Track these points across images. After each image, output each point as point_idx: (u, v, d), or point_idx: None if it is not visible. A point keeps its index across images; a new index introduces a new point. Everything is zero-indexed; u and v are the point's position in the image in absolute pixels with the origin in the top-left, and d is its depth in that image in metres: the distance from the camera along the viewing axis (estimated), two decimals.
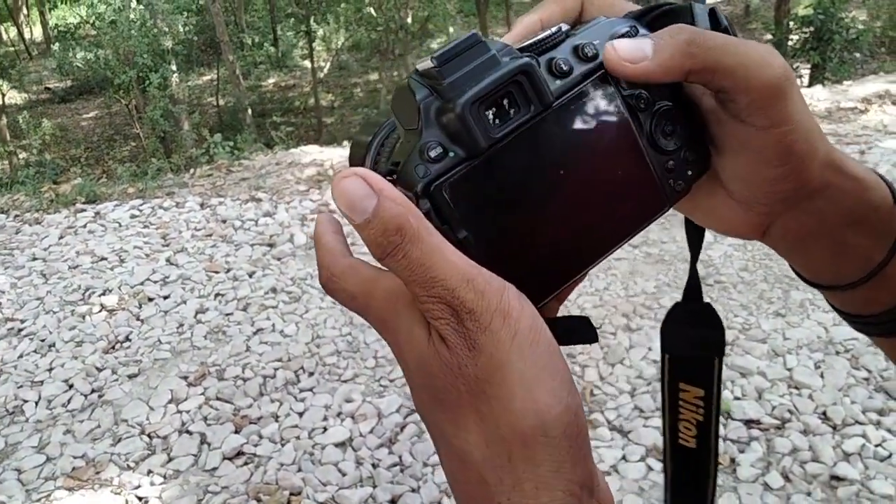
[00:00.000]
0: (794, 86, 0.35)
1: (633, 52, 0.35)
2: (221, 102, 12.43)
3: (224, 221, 4.05)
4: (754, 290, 3.00)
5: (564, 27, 0.37)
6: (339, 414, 2.47)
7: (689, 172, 0.39)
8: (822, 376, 2.45)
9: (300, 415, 2.49)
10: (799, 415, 2.30)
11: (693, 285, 0.53)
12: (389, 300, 0.32)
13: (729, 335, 2.73)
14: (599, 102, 0.36)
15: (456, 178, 0.33)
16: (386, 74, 11.75)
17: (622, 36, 0.37)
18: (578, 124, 0.35)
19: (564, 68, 0.35)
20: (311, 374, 2.70)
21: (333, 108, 12.74)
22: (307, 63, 13.06)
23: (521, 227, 0.35)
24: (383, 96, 11.11)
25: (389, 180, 0.33)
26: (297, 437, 2.39)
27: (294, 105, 12.97)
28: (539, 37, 0.37)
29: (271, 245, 3.74)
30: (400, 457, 2.26)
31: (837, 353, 2.57)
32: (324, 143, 6.40)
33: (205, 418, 2.50)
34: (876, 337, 0.44)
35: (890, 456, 2.10)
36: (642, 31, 0.38)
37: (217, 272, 3.49)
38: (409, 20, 11.36)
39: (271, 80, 14.01)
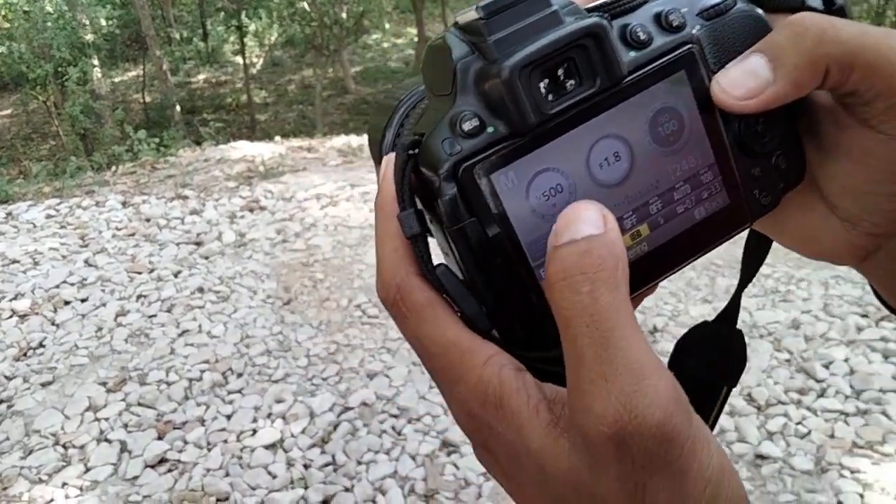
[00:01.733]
0: None
1: (749, 83, 0.29)
2: (148, 99, 11.98)
3: (148, 220, 3.88)
4: (683, 277, 3.07)
5: None
6: (269, 415, 2.39)
7: (781, 185, 0.32)
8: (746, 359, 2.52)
9: (228, 417, 2.40)
10: None
11: (731, 309, 0.46)
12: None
13: (659, 322, 2.77)
14: (682, 85, 0.29)
15: (494, 160, 0.26)
16: (320, 71, 11.56)
17: (715, 7, 0.30)
18: (652, 109, 0.29)
19: (642, 37, 0.28)
20: (240, 375, 2.61)
21: (267, 105, 12.46)
22: (239, 59, 12.74)
23: None
24: (318, 93, 10.94)
25: (408, 156, 0.27)
26: (225, 441, 2.30)
27: (226, 102, 12.63)
28: None
29: (198, 244, 3.60)
30: (333, 456, 2.20)
31: (761, 336, 2.65)
32: (256, 140, 6.24)
33: (125, 425, 2.38)
34: None
35: (809, 433, 2.18)
36: (740, 2, 0.31)
37: (140, 273, 3.34)
38: (344, 15, 11.22)
39: (201, 77, 13.60)
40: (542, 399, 0.26)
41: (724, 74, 0.29)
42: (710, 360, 0.46)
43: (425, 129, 0.28)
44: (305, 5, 11.21)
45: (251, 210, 3.92)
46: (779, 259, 3.05)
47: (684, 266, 0.31)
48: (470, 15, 0.27)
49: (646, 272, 0.30)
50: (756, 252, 0.41)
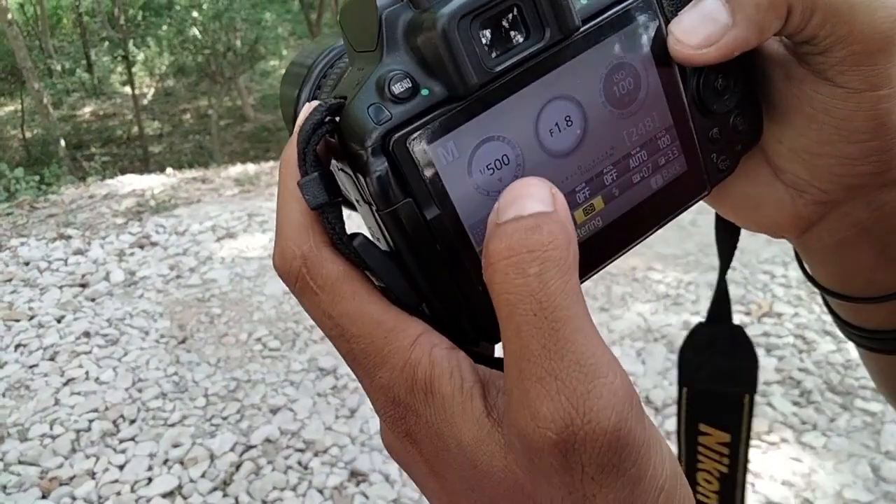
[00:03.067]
0: None
1: (706, 29, 0.25)
2: (28, 135, 11.27)
3: (27, 264, 3.62)
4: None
5: None
6: (165, 461, 2.26)
7: (739, 147, 0.29)
8: (643, 363, 2.61)
9: (120, 468, 2.25)
10: None
11: (720, 303, 0.42)
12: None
13: None
14: (639, 37, 0.26)
15: (430, 129, 0.23)
16: (216, 99, 11.26)
17: None
18: (606, 66, 0.25)
19: None
20: (133, 421, 2.46)
21: (161, 136, 11.99)
22: (128, 89, 12.22)
23: None
24: (214, 122, 10.63)
25: (328, 129, 0.23)
26: (118, 494, 2.15)
27: (116, 135, 12.05)
28: None
29: (83, 285, 3.39)
30: (236, 498, 2.10)
31: (655, 339, 2.76)
32: (150, 173, 5.97)
33: (3, 487, 2.18)
34: (876, 353, 0.36)
35: None
36: None
37: (18, 320, 3.10)
38: (238, 42, 10.99)
39: (88, 109, 12.93)
40: (476, 382, 0.23)
41: (678, 22, 0.26)
42: (719, 367, 0.42)
43: (347, 93, 0.23)
44: (196, 32, 10.91)
45: (141, 246, 3.74)
46: (669, 265, 3.20)
47: (639, 242, 0.28)
48: None
49: (599, 251, 0.27)
50: (728, 230, 0.38)
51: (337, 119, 0.24)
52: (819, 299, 2.66)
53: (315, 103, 0.24)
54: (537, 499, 0.21)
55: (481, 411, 0.22)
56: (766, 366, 2.50)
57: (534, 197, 0.21)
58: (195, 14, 10.81)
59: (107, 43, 12.28)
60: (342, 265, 0.24)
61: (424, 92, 0.23)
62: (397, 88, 0.22)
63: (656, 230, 0.28)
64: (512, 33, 0.23)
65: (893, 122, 0.27)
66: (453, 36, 0.22)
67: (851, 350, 2.46)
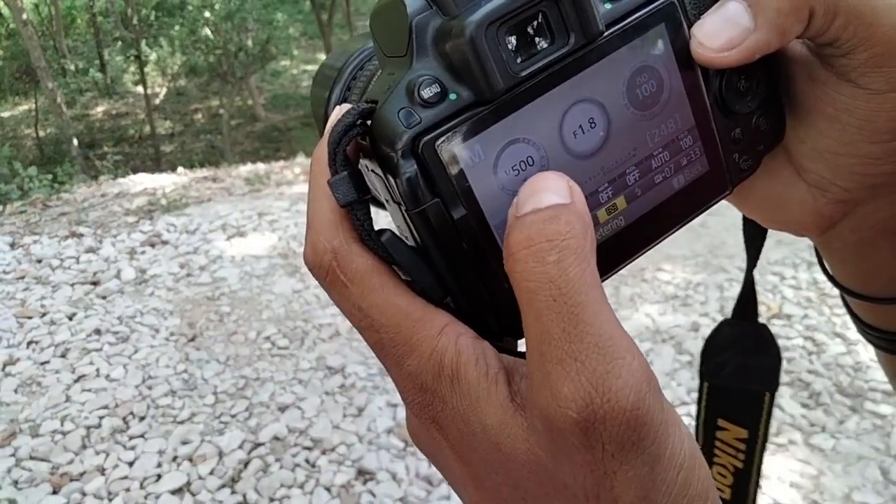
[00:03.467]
0: None
1: (728, 33, 0.26)
2: (42, 134, 11.37)
3: (39, 261, 3.66)
4: None
5: None
6: (174, 458, 2.28)
7: (761, 147, 0.29)
8: (651, 364, 2.60)
9: (130, 464, 2.27)
10: None
11: (747, 300, 0.43)
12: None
13: None
14: (662, 40, 0.26)
15: (458, 132, 0.23)
16: (227, 99, 11.32)
17: None
18: (630, 69, 0.26)
19: None
20: (143, 418, 2.48)
21: (173, 136, 12.07)
22: (140, 89, 12.31)
23: None
24: (226, 121, 10.69)
25: (359, 131, 0.24)
26: (127, 490, 2.17)
27: (128, 134, 12.15)
28: None
29: (95, 283, 3.42)
30: (244, 495, 2.12)
31: (664, 340, 2.75)
32: (162, 172, 6.01)
33: (15, 482, 2.21)
34: (894, 355, 0.35)
35: None
36: None
37: (30, 317, 3.13)
38: (250, 42, 11.05)
39: (100, 109, 13.04)
40: (501, 369, 0.24)
41: (701, 25, 0.26)
42: (743, 364, 0.42)
43: (378, 97, 0.24)
44: (208, 32, 10.98)
45: (152, 245, 3.77)
46: (678, 266, 3.18)
47: (661, 241, 0.28)
48: None
49: (622, 249, 0.27)
50: (755, 233, 0.38)
51: (368, 122, 0.24)
52: (829, 301, 2.65)
53: (346, 106, 0.25)
54: (560, 477, 0.22)
55: (505, 396, 0.23)
56: None
57: (551, 189, 0.22)
58: (207, 14, 10.88)
59: (120, 43, 12.39)
60: (371, 259, 0.25)
61: (452, 96, 0.23)
62: (426, 93, 0.23)
63: (679, 228, 0.29)
64: (537, 39, 0.24)
65: None
66: (481, 43, 0.23)
67: (861, 352, 2.44)
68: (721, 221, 3.38)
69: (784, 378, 2.41)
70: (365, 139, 0.25)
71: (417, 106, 0.23)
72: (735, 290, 3.03)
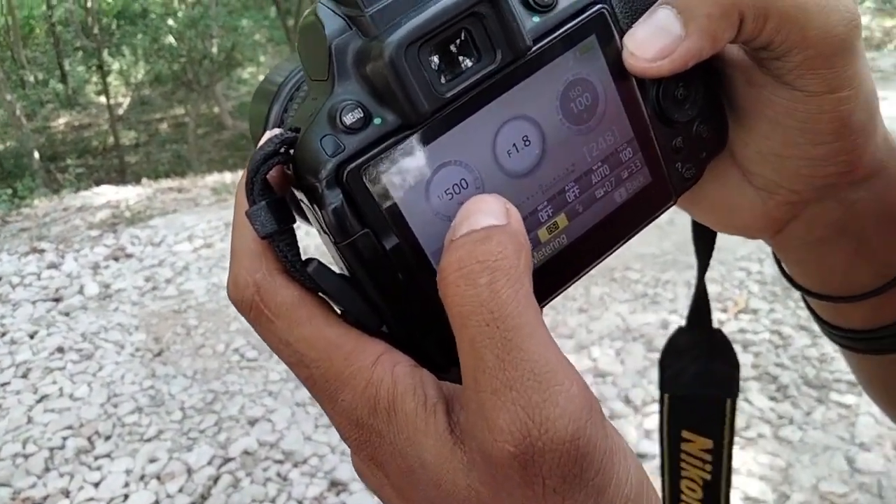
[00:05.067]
0: (860, 38, 0.26)
1: (660, 42, 0.25)
2: (1, 147, 11.11)
3: None
4: None
5: None
6: (142, 477, 2.23)
7: (703, 154, 0.28)
8: (622, 363, 2.62)
9: (96, 486, 2.22)
10: (605, 401, 2.43)
11: (700, 307, 0.42)
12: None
13: None
14: (594, 52, 0.25)
15: (385, 158, 0.22)
16: (193, 107, 11.18)
17: None
18: (562, 83, 0.25)
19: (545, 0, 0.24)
20: (108, 437, 2.42)
21: (137, 146, 11.88)
22: (103, 99, 12.09)
23: None
24: (192, 130, 10.56)
25: (281, 160, 0.22)
26: None
27: (91, 145, 11.92)
28: None
29: (57, 300, 3.34)
30: None
31: (634, 339, 2.77)
32: (127, 184, 5.91)
33: None
34: (857, 353, 0.36)
35: None
36: None
37: None
38: (215, 50, 10.92)
39: (62, 120, 12.77)
40: (440, 398, 0.22)
41: (632, 35, 0.26)
42: (700, 372, 0.41)
43: (302, 124, 0.23)
44: (172, 40, 10.83)
45: (116, 259, 3.69)
46: (646, 264, 3.21)
47: (608, 255, 0.27)
48: None
49: (567, 267, 0.26)
50: (705, 233, 0.38)
51: (291, 151, 0.23)
52: (794, 295, 2.69)
53: (274, 132, 0.24)
54: None
55: (444, 428, 0.22)
56: (744, 362, 2.51)
57: (486, 211, 0.21)
58: (170, 22, 10.75)
59: (81, 53, 12.16)
60: (297, 291, 0.23)
61: (377, 121, 0.23)
62: (349, 119, 0.22)
63: (624, 242, 0.28)
64: (461, 58, 0.23)
65: (856, 123, 0.27)
66: (401, 64, 0.22)
67: (826, 344, 2.48)
68: (688, 219, 3.40)
69: (752, 372, 2.44)
70: (290, 168, 0.24)
71: (341, 133, 0.22)
72: None
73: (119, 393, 2.63)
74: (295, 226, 0.24)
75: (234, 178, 5.16)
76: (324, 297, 0.24)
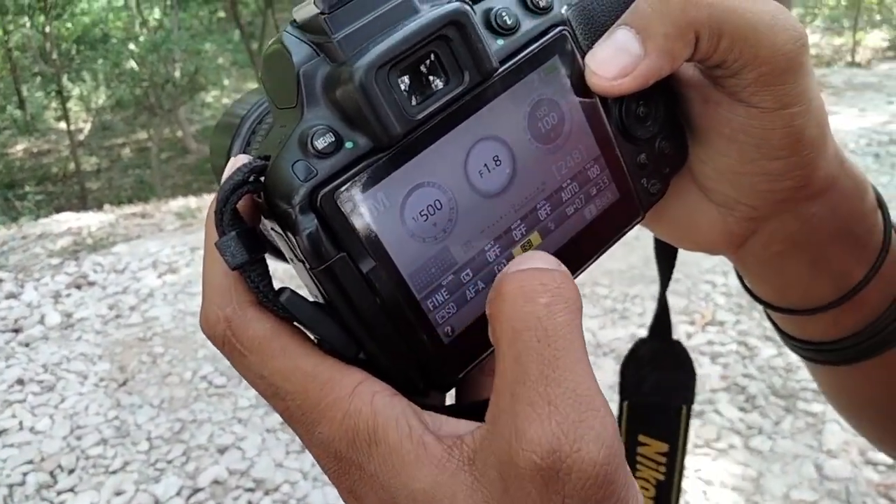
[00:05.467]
0: (808, 56, 0.27)
1: (620, 61, 0.26)
2: None
3: None
4: None
5: None
6: None
7: (667, 169, 0.29)
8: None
9: None
10: None
11: (661, 319, 0.43)
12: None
13: None
14: (558, 72, 0.26)
15: (358, 182, 0.22)
16: (156, 132, 11.04)
17: None
18: (528, 103, 0.25)
19: (509, 22, 0.25)
20: (72, 471, 2.34)
21: (99, 172, 11.67)
22: (63, 125, 11.87)
23: (452, 250, 0.24)
24: (155, 155, 10.42)
25: (251, 188, 0.22)
26: None
27: (51, 172, 11.68)
28: None
29: (17, 330, 3.24)
30: None
31: (605, 353, 2.79)
32: (89, 210, 5.79)
33: None
34: (819, 364, 0.36)
35: None
36: None
37: None
38: (178, 74, 10.83)
39: (20, 147, 12.50)
40: (426, 430, 0.22)
41: (593, 55, 0.27)
42: (660, 380, 0.43)
43: (272, 151, 0.23)
44: (133, 65, 10.71)
45: (79, 287, 3.61)
46: (614, 279, 3.25)
47: (581, 272, 0.28)
48: (308, 9, 0.23)
49: None
50: (666, 249, 0.38)
51: (262, 179, 0.23)
52: (759, 306, 2.77)
53: (241, 160, 0.24)
54: None
55: (441, 454, 0.21)
56: (712, 373, 2.55)
57: (540, 258, 0.22)
58: (132, 46, 10.63)
59: (39, 78, 11.94)
60: (269, 322, 0.23)
61: (349, 145, 0.23)
62: (320, 143, 0.22)
63: (596, 259, 0.28)
64: (431, 79, 0.24)
65: (808, 137, 0.28)
66: (371, 88, 0.22)
67: (791, 354, 2.53)
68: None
69: (721, 383, 2.47)
70: (260, 196, 0.24)
71: (312, 157, 0.22)
72: (671, 299, 3.10)
73: (83, 425, 2.56)
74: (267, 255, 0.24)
75: (198, 202, 5.09)
76: (299, 326, 0.24)
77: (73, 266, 3.87)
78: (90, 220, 4.77)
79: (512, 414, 0.20)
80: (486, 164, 0.25)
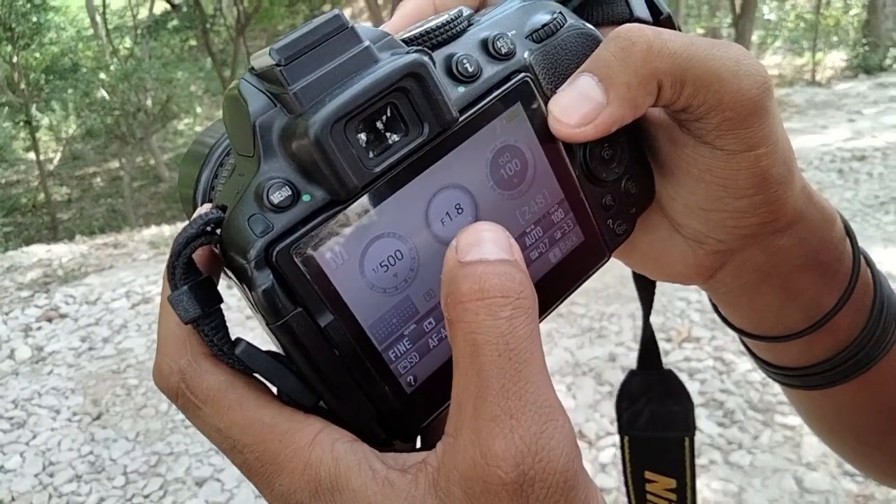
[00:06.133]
0: (773, 98, 0.27)
1: (582, 108, 0.26)
2: None
3: None
4: None
5: (466, 11, 0.26)
6: None
7: (633, 210, 0.29)
8: (574, 397, 2.64)
9: None
10: None
11: (649, 349, 0.43)
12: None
13: None
14: (520, 118, 0.26)
15: (315, 236, 0.22)
16: (128, 160, 10.93)
17: (544, 27, 0.27)
18: (490, 150, 0.25)
19: (470, 70, 0.25)
20: None
21: (70, 202, 11.51)
22: (32, 155, 11.70)
23: (414, 300, 0.23)
24: (127, 184, 10.30)
25: (206, 241, 0.22)
26: None
27: (20, 203, 11.48)
28: (431, 24, 0.25)
29: None
30: None
31: (584, 373, 2.80)
32: (59, 242, 5.68)
33: None
34: (794, 389, 0.37)
35: None
36: (570, 18, 0.27)
37: None
38: (149, 102, 10.76)
39: None
40: (390, 469, 0.22)
41: (556, 101, 0.26)
42: (656, 413, 0.42)
43: (229, 201, 0.23)
44: (104, 94, 10.63)
45: (49, 320, 3.53)
46: (591, 299, 3.27)
47: (548, 314, 0.27)
48: (265, 59, 0.22)
49: None
50: (645, 283, 0.39)
51: (218, 231, 0.23)
52: None
53: (201, 210, 0.24)
54: None
55: (408, 486, 0.21)
56: (691, 390, 2.56)
57: (495, 243, 0.22)
58: (102, 76, 10.55)
59: (7, 108, 11.78)
60: (224, 374, 0.23)
61: (306, 198, 0.22)
62: (276, 197, 0.22)
63: (562, 301, 0.28)
64: (388, 133, 0.23)
65: (774, 176, 0.28)
66: (327, 142, 0.21)
67: None
68: None
69: (699, 399, 2.49)
70: (217, 248, 0.24)
71: (268, 211, 0.22)
72: None
73: (55, 461, 2.49)
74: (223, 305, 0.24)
75: (172, 230, 5.04)
76: (257, 376, 0.24)
77: (44, 298, 3.79)
78: (61, 251, 4.69)
79: (474, 430, 0.20)
80: (447, 213, 0.25)
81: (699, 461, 2.20)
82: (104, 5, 12.79)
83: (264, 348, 0.24)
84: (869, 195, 3.93)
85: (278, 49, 0.22)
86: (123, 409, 2.75)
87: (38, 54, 11.23)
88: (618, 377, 2.77)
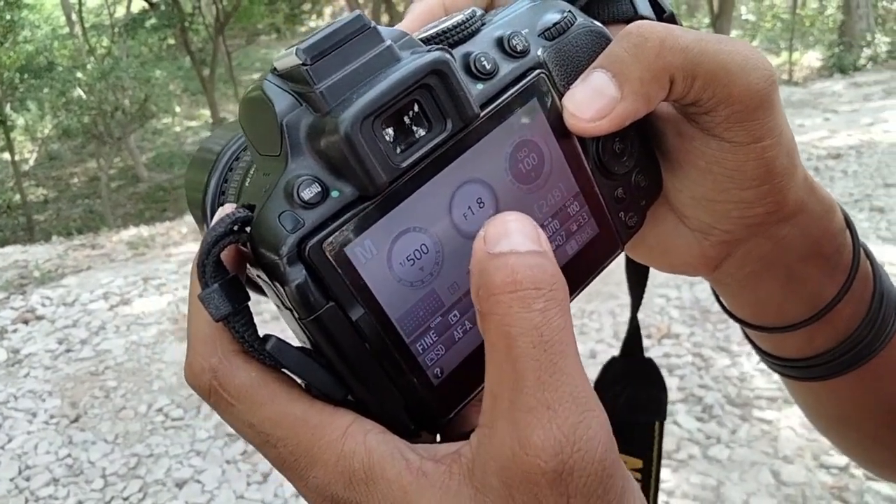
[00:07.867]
0: (778, 91, 0.28)
1: (597, 103, 0.26)
2: None
3: None
4: None
5: (479, 11, 0.26)
6: None
7: (643, 202, 0.30)
8: None
9: None
10: None
11: (633, 338, 0.44)
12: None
13: None
14: (536, 114, 0.27)
15: (345, 231, 0.23)
16: (106, 160, 10.80)
17: (556, 26, 0.28)
18: (509, 145, 0.26)
19: (488, 67, 0.25)
20: None
21: (46, 203, 11.34)
22: (7, 156, 11.52)
23: (440, 293, 0.24)
24: (105, 184, 10.18)
25: (235, 239, 0.22)
26: None
27: None
28: (448, 24, 0.26)
29: None
30: None
31: None
32: (35, 243, 5.61)
33: None
34: (796, 381, 0.37)
35: None
36: (579, 17, 0.28)
37: None
38: (127, 102, 10.63)
39: None
40: (423, 459, 0.22)
41: (571, 97, 0.27)
42: (633, 398, 0.43)
43: (256, 200, 0.23)
44: (81, 93, 10.49)
45: (26, 322, 3.48)
46: None
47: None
48: (289, 59, 0.23)
49: None
50: (637, 270, 0.39)
51: (247, 229, 0.23)
52: (712, 318, 2.81)
53: (226, 210, 0.24)
54: None
55: (442, 476, 0.22)
56: (670, 385, 2.59)
57: (524, 234, 0.22)
58: (79, 75, 10.41)
59: None
60: (256, 370, 0.23)
61: (335, 194, 0.23)
62: (307, 194, 0.22)
63: (580, 292, 0.29)
64: (414, 128, 0.24)
65: (779, 167, 0.29)
66: (357, 139, 0.22)
67: (744, 363, 2.60)
68: None
69: (678, 395, 2.52)
70: (246, 246, 0.24)
71: (299, 208, 0.22)
72: (626, 315, 3.15)
73: (32, 465, 2.46)
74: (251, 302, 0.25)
75: (151, 231, 4.99)
76: (287, 371, 0.24)
77: (20, 300, 3.74)
78: (37, 253, 4.63)
79: (511, 421, 0.20)
80: (469, 207, 0.25)
81: (678, 455, 2.22)
82: (80, 3, 12.63)
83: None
84: (844, 192, 4.00)
85: (304, 49, 0.23)
86: (102, 411, 2.72)
87: (11, 53, 11.04)
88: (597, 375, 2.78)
